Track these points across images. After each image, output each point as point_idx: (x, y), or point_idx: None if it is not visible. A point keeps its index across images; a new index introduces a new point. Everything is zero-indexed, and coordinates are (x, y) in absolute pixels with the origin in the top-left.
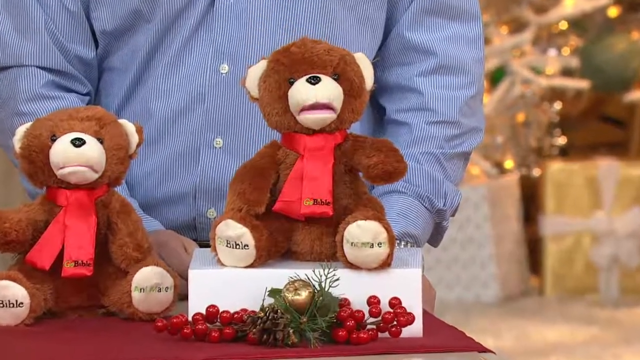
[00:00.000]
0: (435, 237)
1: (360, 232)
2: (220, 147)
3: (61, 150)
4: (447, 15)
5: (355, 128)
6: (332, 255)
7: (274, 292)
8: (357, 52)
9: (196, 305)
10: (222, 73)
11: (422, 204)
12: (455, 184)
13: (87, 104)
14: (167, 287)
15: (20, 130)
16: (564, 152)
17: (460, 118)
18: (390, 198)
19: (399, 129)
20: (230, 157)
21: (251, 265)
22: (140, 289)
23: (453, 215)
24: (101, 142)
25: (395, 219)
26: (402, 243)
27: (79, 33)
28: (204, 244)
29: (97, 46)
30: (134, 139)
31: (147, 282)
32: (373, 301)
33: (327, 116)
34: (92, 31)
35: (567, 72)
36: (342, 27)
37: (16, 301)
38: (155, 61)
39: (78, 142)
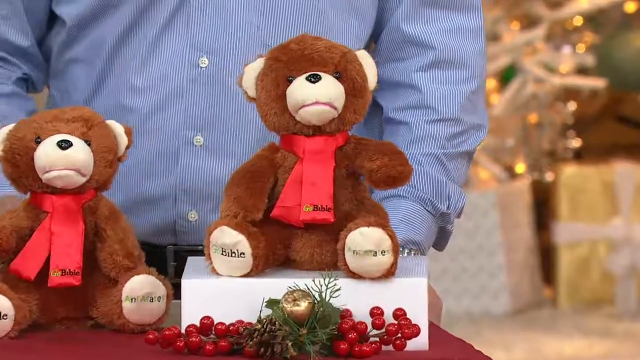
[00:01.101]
0: (440, 241)
1: (363, 239)
2: (200, 145)
3: (46, 153)
4: (446, 5)
5: (357, 129)
6: (333, 263)
7: (271, 303)
8: (360, 50)
9: (190, 316)
10: (201, 67)
11: (425, 208)
12: (459, 184)
13: (27, 86)
14: (159, 297)
15: (3, 132)
16: (579, 155)
17: (461, 115)
18: (390, 203)
19: (397, 128)
20: (211, 155)
21: (248, 275)
22: (131, 299)
23: (458, 216)
24: (88, 144)
25: (398, 225)
26: (405, 251)
27: (12, 18)
28: (184, 249)
29: (36, 34)
30: (123, 140)
31: (138, 291)
32: (376, 312)
33: (328, 109)
34: (34, 20)
35: (582, 71)
36: (327, 17)
37: (0, 313)
38: (127, 52)
39: (64, 144)
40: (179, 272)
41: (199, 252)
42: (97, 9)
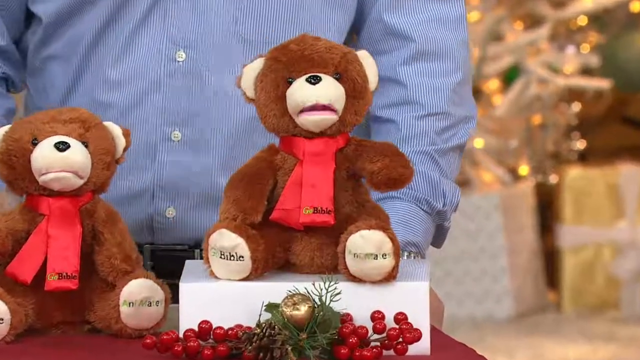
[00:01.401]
0: (438, 238)
1: (364, 242)
2: (178, 141)
3: (44, 155)
4: None
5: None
6: (334, 267)
7: (271, 307)
8: (361, 50)
9: (188, 320)
10: (178, 61)
11: (421, 208)
12: (452, 180)
13: (6, 85)
14: (157, 301)
15: None
16: (583, 157)
17: (449, 108)
18: (386, 205)
19: (385, 127)
20: (190, 151)
21: (247, 278)
22: (129, 303)
23: (455, 211)
24: (86, 146)
25: (395, 227)
26: (405, 253)
27: None
28: (161, 248)
29: (12, 33)
30: (121, 142)
31: (136, 295)
32: (377, 316)
33: (328, 117)
34: (10, 19)
35: (586, 71)
36: (307, 8)
37: None
38: (103, 48)
39: (62, 146)
40: (155, 272)
41: (177, 252)
42: (73, 5)
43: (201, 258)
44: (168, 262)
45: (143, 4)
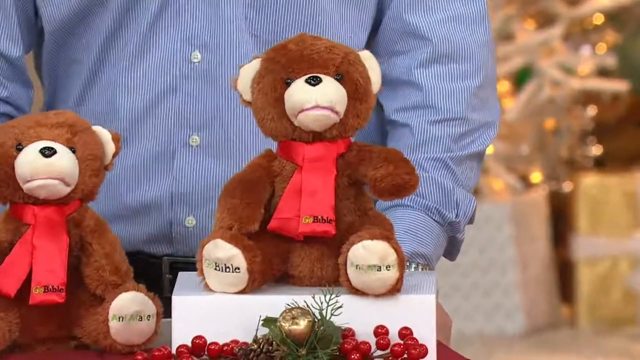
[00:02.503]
0: (451, 250)
1: (366, 253)
2: (197, 146)
3: (28, 161)
4: None
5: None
6: (335, 279)
7: (268, 321)
8: (363, 50)
9: (181, 336)
10: (194, 62)
11: (432, 218)
12: (468, 189)
13: (6, 111)
14: (148, 316)
15: None
16: (599, 164)
17: (467, 113)
18: (394, 213)
19: (399, 131)
20: (209, 156)
21: (243, 291)
22: (119, 318)
23: (471, 222)
24: (73, 152)
25: (403, 237)
26: (412, 265)
27: (4, 26)
28: (181, 260)
29: (27, 42)
30: (110, 147)
31: (126, 309)
32: (381, 331)
33: (329, 114)
34: (27, 26)
35: (602, 73)
36: (322, 6)
37: None
38: (116, 50)
39: (48, 152)
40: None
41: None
42: (84, 7)
43: None
44: None
45: (155, 2)
